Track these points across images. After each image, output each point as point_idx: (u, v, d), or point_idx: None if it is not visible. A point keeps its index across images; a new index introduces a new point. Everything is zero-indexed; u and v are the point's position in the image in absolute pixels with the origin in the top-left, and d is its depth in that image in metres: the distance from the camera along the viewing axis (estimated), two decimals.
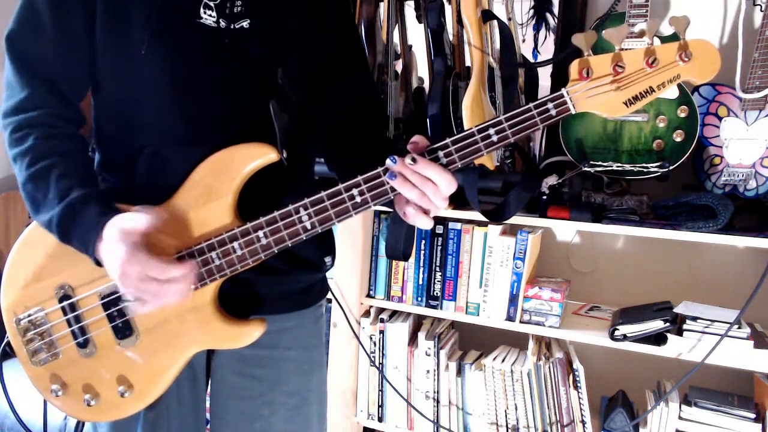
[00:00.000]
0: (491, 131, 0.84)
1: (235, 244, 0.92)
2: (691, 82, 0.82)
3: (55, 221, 0.90)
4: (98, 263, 0.90)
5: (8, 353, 1.10)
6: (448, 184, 0.86)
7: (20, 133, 0.93)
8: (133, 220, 0.87)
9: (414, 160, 0.85)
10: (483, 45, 1.54)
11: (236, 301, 1.01)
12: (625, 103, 0.82)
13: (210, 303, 0.96)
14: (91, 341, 0.99)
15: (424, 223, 0.89)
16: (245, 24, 0.96)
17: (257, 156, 0.93)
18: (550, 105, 0.83)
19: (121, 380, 0.99)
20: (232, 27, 0.96)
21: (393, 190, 0.89)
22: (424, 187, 0.86)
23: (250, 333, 0.97)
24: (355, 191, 0.89)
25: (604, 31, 0.83)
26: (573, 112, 0.83)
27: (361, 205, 0.90)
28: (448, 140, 0.86)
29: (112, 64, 0.95)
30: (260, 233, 0.92)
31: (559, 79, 1.81)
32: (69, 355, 0.99)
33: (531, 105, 0.84)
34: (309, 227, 0.91)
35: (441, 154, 0.87)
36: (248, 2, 0.97)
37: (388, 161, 0.86)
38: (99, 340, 0.98)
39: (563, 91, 0.83)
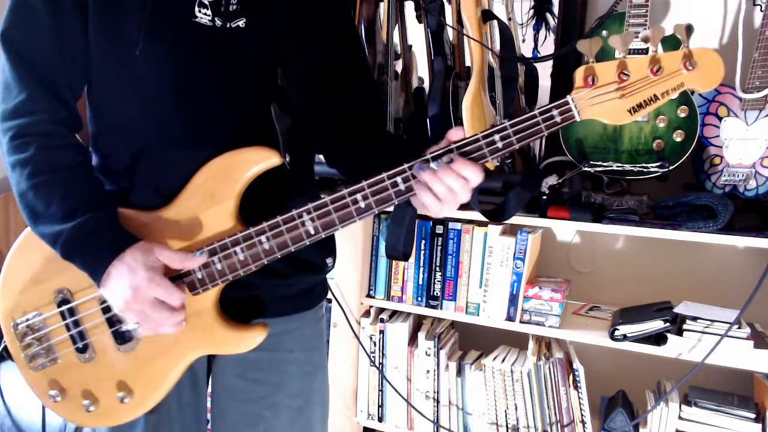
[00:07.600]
0: (496, 137, 0.84)
1: (237, 249, 0.92)
2: (694, 90, 0.82)
3: (61, 240, 0.89)
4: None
5: (5, 356, 1.10)
6: (479, 179, 0.86)
7: (20, 140, 0.91)
8: (155, 251, 0.89)
9: (452, 160, 0.85)
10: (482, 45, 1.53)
11: (237, 304, 1.00)
12: (629, 111, 0.82)
13: (211, 308, 0.96)
14: (91, 346, 0.98)
15: (448, 210, 0.90)
16: (241, 23, 0.95)
17: (260, 160, 0.92)
18: (555, 112, 0.83)
19: (120, 386, 0.98)
20: (228, 26, 0.94)
21: (398, 195, 0.88)
22: (456, 183, 0.86)
23: (251, 338, 0.96)
24: (358, 196, 0.89)
25: (609, 38, 0.83)
26: (578, 119, 0.83)
27: (365, 211, 0.89)
28: (452, 146, 0.86)
29: (107, 64, 0.93)
30: (263, 238, 0.91)
31: (560, 79, 1.80)
32: (68, 360, 0.99)
33: (536, 111, 0.83)
34: (312, 232, 0.90)
35: (445, 158, 0.86)
36: (244, 1, 0.95)
37: (432, 164, 0.86)
38: (98, 345, 0.98)
39: (568, 98, 0.83)
